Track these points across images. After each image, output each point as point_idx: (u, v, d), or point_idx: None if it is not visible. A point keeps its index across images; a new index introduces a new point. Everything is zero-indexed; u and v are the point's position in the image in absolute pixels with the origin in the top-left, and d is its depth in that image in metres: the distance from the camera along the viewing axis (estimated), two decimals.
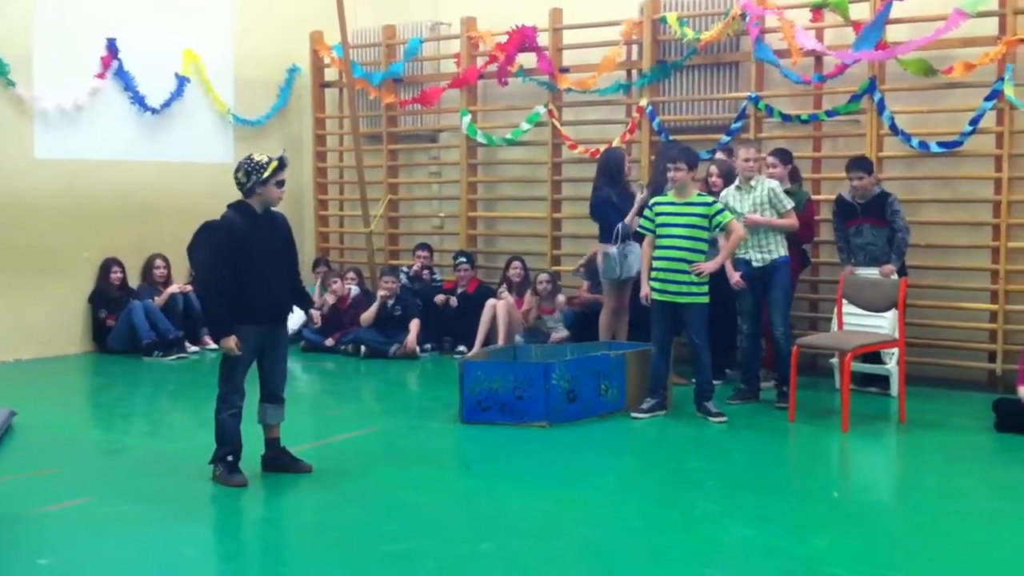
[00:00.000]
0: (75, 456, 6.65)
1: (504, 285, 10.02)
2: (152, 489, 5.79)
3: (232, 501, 5.66)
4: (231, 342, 5.75)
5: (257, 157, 5.87)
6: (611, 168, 8.58)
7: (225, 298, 5.78)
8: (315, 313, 6.99)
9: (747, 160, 7.76)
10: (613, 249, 8.36)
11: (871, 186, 8.08)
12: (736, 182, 7.86)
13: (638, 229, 7.74)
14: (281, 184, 5.88)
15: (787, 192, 8.06)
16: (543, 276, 9.83)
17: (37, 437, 7.09)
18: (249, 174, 5.82)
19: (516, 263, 10.08)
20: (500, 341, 9.53)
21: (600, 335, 8.56)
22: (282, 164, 5.87)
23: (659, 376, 7.51)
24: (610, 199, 8.40)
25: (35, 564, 4.68)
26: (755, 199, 7.69)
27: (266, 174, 5.78)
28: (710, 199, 7.50)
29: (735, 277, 7.72)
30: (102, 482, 5.97)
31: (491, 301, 9.88)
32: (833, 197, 8.82)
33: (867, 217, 8.11)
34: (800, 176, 8.64)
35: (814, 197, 8.87)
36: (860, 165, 8.12)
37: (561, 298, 9.78)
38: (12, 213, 9.80)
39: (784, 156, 8.33)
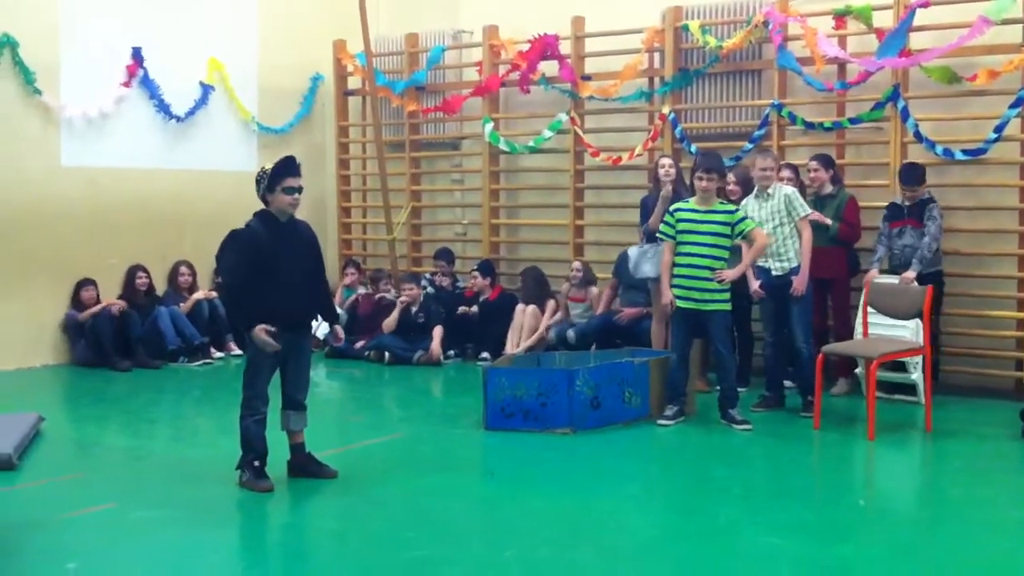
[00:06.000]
0: (101, 461, 6.72)
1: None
2: (178, 494, 5.82)
3: (257, 506, 5.69)
4: (262, 333, 5.70)
5: (267, 166, 5.89)
6: (653, 173, 8.80)
7: (247, 302, 5.78)
8: (339, 329, 6.58)
9: (763, 169, 7.77)
10: (633, 249, 8.61)
11: (919, 194, 8.13)
12: (755, 191, 7.87)
13: (657, 236, 7.75)
14: (289, 191, 5.81)
15: (829, 196, 8.33)
16: (575, 264, 9.93)
17: (63, 442, 7.17)
18: (258, 183, 5.87)
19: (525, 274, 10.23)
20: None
21: (652, 345, 8.53)
22: (282, 169, 5.79)
23: (677, 383, 7.50)
24: (647, 202, 8.56)
25: (63, 569, 4.72)
26: (772, 207, 7.70)
27: (266, 183, 5.81)
28: (732, 207, 7.50)
29: (754, 285, 7.72)
30: (128, 487, 6.01)
31: (520, 306, 9.97)
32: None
33: (910, 219, 8.14)
34: (841, 179, 8.66)
35: None
36: (911, 177, 8.11)
37: (594, 289, 9.83)
38: (38, 220, 9.88)
39: (826, 161, 8.49)
